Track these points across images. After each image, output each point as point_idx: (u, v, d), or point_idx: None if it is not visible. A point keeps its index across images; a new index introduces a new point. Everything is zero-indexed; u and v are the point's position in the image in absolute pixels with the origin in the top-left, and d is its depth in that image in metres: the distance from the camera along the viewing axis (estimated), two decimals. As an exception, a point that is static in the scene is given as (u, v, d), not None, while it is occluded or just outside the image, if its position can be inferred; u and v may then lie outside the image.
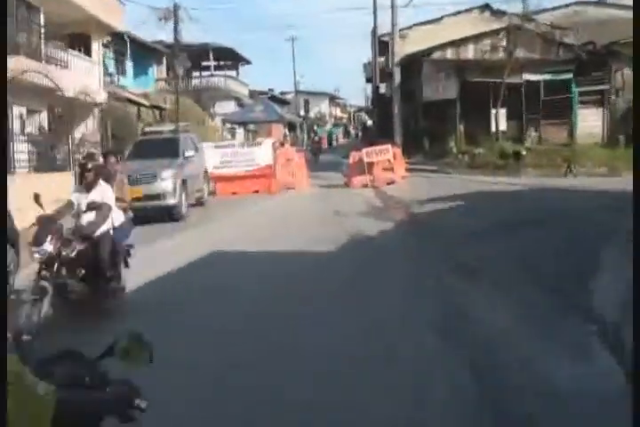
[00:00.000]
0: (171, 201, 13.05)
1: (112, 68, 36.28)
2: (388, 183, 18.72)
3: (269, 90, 57.01)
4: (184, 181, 13.72)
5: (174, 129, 15.49)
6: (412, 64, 26.37)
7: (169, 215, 13.14)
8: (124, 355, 1.73)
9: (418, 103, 26.49)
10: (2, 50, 9.52)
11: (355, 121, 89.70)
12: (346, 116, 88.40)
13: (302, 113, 62.65)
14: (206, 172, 16.53)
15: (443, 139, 24.36)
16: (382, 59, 40.37)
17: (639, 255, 2.60)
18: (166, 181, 13.07)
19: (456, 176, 20.34)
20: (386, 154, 18.66)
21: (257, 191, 18.14)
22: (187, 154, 14.42)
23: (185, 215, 13.59)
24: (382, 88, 40.05)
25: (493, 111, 23.79)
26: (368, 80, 57.04)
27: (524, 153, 21.74)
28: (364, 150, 18.83)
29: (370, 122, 58.26)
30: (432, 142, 25.18)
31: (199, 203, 15.72)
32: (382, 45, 37.11)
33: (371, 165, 18.60)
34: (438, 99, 24.69)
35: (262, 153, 18.60)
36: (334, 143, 54.56)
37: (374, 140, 25.79)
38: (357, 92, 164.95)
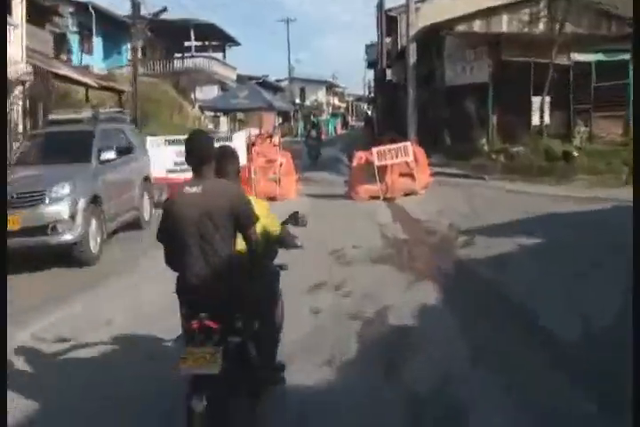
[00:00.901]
0: (66, 236, 7.91)
1: (75, 44, 31.29)
2: (406, 194, 13.78)
3: (263, 76, 52.06)
4: (96, 200, 8.62)
5: (92, 116, 10.15)
6: (431, 40, 21.29)
7: (67, 258, 8.13)
8: (296, 221, 4.04)
9: (437, 89, 21.41)
10: (2, 50, 9.81)
11: (354, 111, 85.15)
12: (344, 105, 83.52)
13: (298, 101, 57.69)
14: (148, 179, 11.33)
15: (469, 134, 19.31)
16: (389, 39, 35.24)
17: (639, 255, 2.39)
18: (60, 203, 7.97)
19: (494, 184, 15.34)
20: (404, 155, 13.58)
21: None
22: (105, 156, 9.19)
23: (95, 255, 8.49)
24: (389, 74, 34.90)
25: (535, 99, 18.72)
26: (370, 65, 51.89)
27: (575, 154, 16.93)
28: (374, 150, 13.69)
29: (369, 112, 53.21)
30: (455, 138, 20.16)
31: (136, 225, 10.68)
32: (389, 22, 32.06)
33: (383, 169, 13.56)
34: (465, 83, 19.66)
35: (234, 151, 13.53)
36: (333, 135, 49.05)
37: (382, 135, 20.81)
38: (357, 80, 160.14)
